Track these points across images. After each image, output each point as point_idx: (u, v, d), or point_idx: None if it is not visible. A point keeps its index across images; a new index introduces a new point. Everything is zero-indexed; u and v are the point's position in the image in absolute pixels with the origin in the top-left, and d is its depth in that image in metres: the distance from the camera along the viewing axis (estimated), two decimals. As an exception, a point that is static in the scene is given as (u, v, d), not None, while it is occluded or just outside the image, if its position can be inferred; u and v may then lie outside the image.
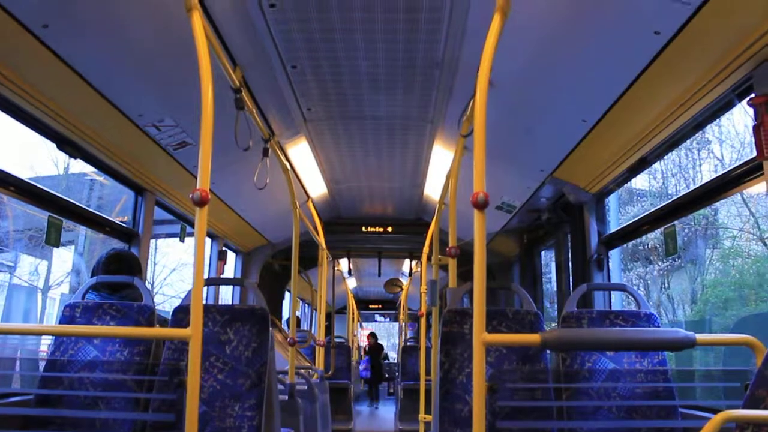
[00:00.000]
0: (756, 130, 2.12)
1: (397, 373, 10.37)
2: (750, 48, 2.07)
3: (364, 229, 6.74)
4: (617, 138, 3.09)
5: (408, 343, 9.17)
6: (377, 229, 6.74)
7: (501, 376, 2.44)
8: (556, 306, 5.35)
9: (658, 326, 2.67)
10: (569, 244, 4.25)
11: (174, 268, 11.22)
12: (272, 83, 3.49)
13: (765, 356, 1.20)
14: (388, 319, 18.64)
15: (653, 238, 6.28)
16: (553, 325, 4.91)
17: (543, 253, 5.58)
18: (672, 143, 3.01)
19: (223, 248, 5.52)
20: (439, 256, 4.05)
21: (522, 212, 4.69)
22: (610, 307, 3.79)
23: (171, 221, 4.54)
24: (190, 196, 1.65)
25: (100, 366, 2.50)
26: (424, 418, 4.17)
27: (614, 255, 4.03)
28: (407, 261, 9.17)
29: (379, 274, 8.66)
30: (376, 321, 18.78)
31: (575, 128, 3.12)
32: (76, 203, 3.29)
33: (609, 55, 2.50)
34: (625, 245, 4.09)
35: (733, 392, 1.85)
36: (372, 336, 13.66)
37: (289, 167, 3.72)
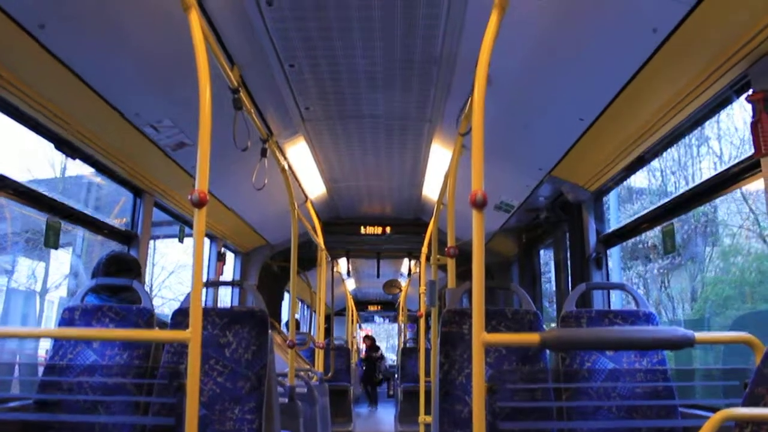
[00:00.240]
0: (754, 126, 2.10)
1: (396, 375, 10.35)
2: (747, 44, 2.06)
3: (363, 229, 6.75)
4: (615, 136, 3.08)
5: (407, 345, 9.16)
6: (376, 229, 6.75)
7: (501, 376, 2.43)
8: (555, 305, 5.34)
9: (658, 325, 2.66)
10: (568, 243, 4.25)
11: (173, 270, 11.18)
12: (270, 82, 3.48)
13: (764, 354, 1.19)
14: (387, 321, 18.64)
15: (653, 236, 6.28)
16: (553, 324, 4.90)
17: (542, 252, 5.58)
18: (670, 140, 3.01)
19: (222, 249, 5.51)
20: (438, 256, 4.03)
21: (520, 211, 4.69)
22: (610, 306, 3.79)
23: (169, 222, 4.54)
24: (189, 197, 1.64)
25: (99, 370, 2.49)
26: (424, 419, 4.16)
27: (614, 253, 4.03)
28: (406, 261, 9.15)
29: (378, 275, 8.65)
30: (375, 322, 18.78)
31: (573, 126, 3.12)
32: (74, 206, 3.28)
33: (607, 53, 2.50)
34: (624, 243, 4.08)
35: (733, 391, 1.85)
36: (368, 338, 13.65)
37: (287, 167, 3.72)
